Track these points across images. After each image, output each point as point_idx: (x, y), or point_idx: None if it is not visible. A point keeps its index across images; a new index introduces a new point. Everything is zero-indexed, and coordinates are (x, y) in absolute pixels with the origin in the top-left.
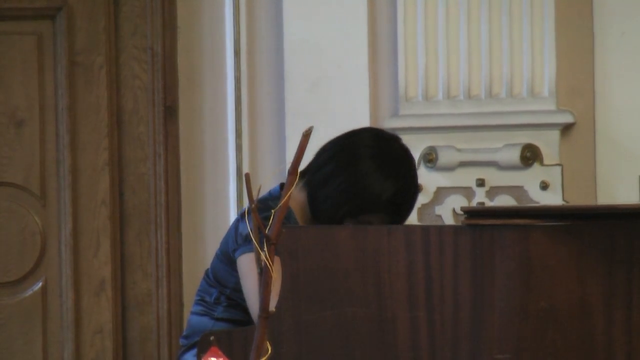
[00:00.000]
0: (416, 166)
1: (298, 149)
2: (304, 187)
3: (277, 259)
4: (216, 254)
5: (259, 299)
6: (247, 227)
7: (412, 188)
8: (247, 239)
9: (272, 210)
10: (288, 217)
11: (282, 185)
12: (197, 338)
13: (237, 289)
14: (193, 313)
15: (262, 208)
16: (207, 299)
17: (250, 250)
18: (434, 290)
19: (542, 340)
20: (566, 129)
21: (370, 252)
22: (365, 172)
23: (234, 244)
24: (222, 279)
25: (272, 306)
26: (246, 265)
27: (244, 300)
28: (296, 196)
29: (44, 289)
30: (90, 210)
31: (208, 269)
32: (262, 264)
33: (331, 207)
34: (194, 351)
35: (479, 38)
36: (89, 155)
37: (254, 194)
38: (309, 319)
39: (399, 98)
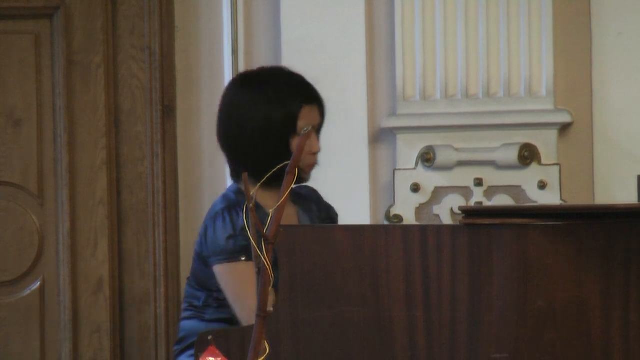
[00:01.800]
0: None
1: (297, 148)
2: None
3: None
4: (193, 258)
5: (257, 298)
6: (221, 234)
7: (297, 77)
8: (220, 248)
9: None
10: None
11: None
12: (191, 340)
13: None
14: (184, 318)
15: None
16: (196, 303)
17: (225, 261)
18: (432, 289)
19: (539, 339)
20: (564, 128)
21: (367, 252)
22: (255, 102)
23: (206, 249)
24: (206, 283)
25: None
26: (223, 276)
27: None
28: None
29: (41, 288)
30: (88, 210)
31: (189, 277)
32: (260, 264)
33: (265, 152)
34: (190, 352)
35: (477, 37)
36: (87, 154)
37: (252, 193)
38: (307, 319)
39: (397, 97)
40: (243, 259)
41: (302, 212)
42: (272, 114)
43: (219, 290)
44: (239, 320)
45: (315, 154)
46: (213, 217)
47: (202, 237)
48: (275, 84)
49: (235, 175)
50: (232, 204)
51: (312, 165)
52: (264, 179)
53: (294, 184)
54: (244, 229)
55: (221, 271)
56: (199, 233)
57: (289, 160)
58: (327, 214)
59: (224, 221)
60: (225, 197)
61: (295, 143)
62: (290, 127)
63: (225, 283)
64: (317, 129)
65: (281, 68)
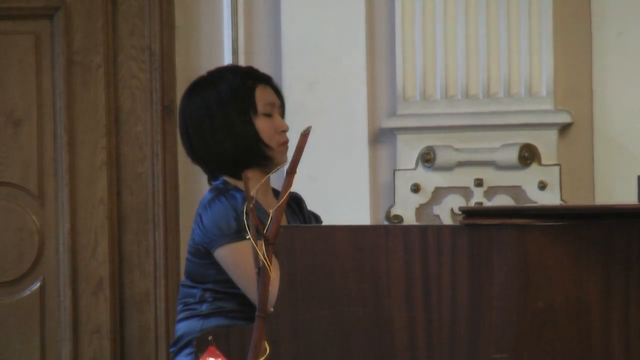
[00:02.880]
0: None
1: (297, 148)
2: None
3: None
4: (187, 257)
5: (257, 299)
6: (221, 216)
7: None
8: (223, 230)
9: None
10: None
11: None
12: (187, 339)
13: (219, 280)
14: (179, 320)
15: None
16: (191, 300)
17: (231, 241)
18: (432, 290)
19: (539, 339)
20: (564, 128)
21: (367, 252)
22: (208, 97)
23: (206, 237)
24: (200, 277)
25: (273, 298)
26: (231, 257)
27: (229, 287)
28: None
29: (41, 288)
30: (88, 210)
31: (182, 280)
32: (260, 263)
33: (232, 136)
34: (187, 351)
35: (477, 38)
36: (87, 154)
37: (253, 193)
38: (307, 319)
39: (397, 98)
40: (248, 237)
41: (291, 217)
42: (227, 103)
43: (215, 282)
44: (239, 303)
45: (284, 131)
46: (206, 204)
47: (199, 226)
48: (222, 80)
49: (213, 180)
50: (223, 190)
51: (285, 143)
52: (265, 178)
53: (273, 170)
54: (243, 211)
55: (227, 252)
56: (192, 228)
57: (260, 142)
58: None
59: (222, 204)
60: (213, 188)
61: (260, 124)
62: (249, 107)
63: (234, 264)
64: (280, 109)
65: (226, 65)
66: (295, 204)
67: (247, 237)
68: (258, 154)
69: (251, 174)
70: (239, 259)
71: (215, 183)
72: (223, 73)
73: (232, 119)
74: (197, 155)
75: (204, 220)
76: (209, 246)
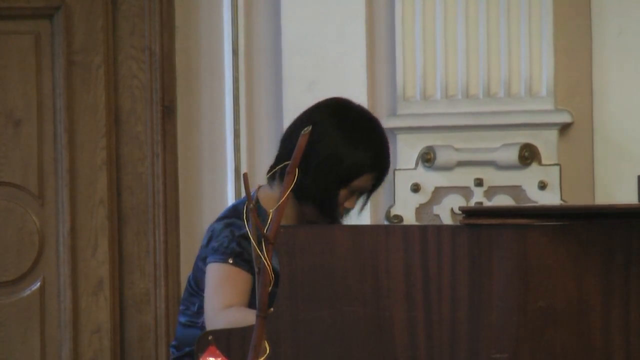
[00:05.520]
0: (382, 128)
1: (296, 148)
2: (279, 181)
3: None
4: (196, 259)
5: (257, 298)
6: (219, 237)
7: (385, 144)
8: (214, 249)
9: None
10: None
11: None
12: (187, 349)
13: None
14: (180, 323)
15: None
16: (191, 308)
17: (215, 261)
18: (432, 289)
19: (540, 339)
20: (564, 128)
21: (368, 252)
22: (337, 142)
23: (205, 250)
24: (203, 284)
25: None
26: (208, 273)
27: None
28: (270, 194)
29: (41, 288)
30: (88, 210)
31: (190, 276)
32: (260, 264)
33: (317, 186)
34: None
35: (477, 38)
36: (87, 154)
37: (252, 193)
38: (307, 319)
39: (397, 98)
40: (230, 261)
41: None
42: (339, 156)
43: None
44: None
45: (348, 209)
46: (219, 221)
47: (206, 240)
48: (361, 132)
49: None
50: (238, 213)
51: (338, 219)
52: (267, 175)
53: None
54: (241, 237)
55: (209, 269)
56: (204, 237)
57: (328, 206)
58: None
59: (224, 227)
60: (234, 207)
61: (343, 195)
62: (346, 180)
63: (207, 280)
64: (364, 192)
65: (374, 120)
66: None
67: (229, 262)
68: (321, 207)
69: (292, 202)
70: (210, 275)
71: (239, 201)
72: (372, 130)
73: (330, 170)
74: (286, 150)
75: (212, 241)
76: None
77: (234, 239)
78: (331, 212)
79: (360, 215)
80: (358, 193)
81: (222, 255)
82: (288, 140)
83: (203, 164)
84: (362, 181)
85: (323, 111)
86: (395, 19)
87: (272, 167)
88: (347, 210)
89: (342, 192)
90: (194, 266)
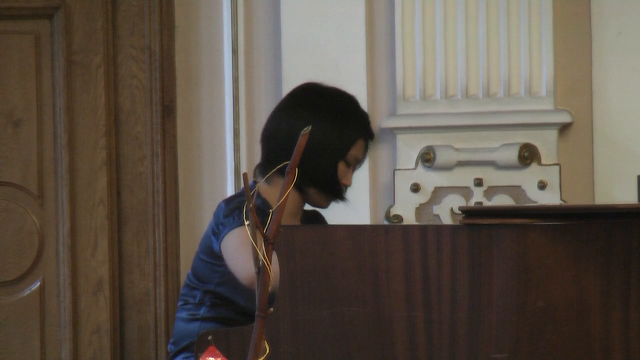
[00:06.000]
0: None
1: (296, 148)
2: (277, 175)
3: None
4: (196, 254)
5: (257, 298)
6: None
7: (367, 115)
8: (228, 221)
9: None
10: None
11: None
12: (185, 342)
13: (222, 282)
14: (178, 319)
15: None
16: (191, 301)
17: (231, 229)
18: (432, 289)
19: (539, 339)
20: (564, 128)
21: (367, 252)
22: (326, 120)
23: (217, 230)
24: (204, 277)
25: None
26: (229, 243)
27: (230, 293)
28: (268, 189)
29: (41, 288)
30: (88, 210)
31: (189, 273)
32: (260, 263)
33: (315, 167)
34: (184, 354)
35: (477, 37)
36: (87, 154)
37: (251, 193)
38: (307, 319)
39: (397, 97)
40: (247, 223)
41: None
42: (330, 133)
43: (217, 285)
44: (236, 312)
45: (346, 186)
46: (229, 218)
47: (214, 222)
48: (342, 107)
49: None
50: (241, 204)
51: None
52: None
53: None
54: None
55: (227, 239)
56: (207, 230)
57: (331, 184)
58: None
59: (230, 204)
60: (233, 203)
61: (341, 169)
62: (342, 152)
63: (229, 249)
64: (358, 164)
65: (349, 96)
66: (315, 221)
67: (247, 223)
68: (323, 187)
69: (291, 193)
70: (234, 242)
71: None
72: (343, 103)
73: (323, 152)
74: (270, 145)
75: (219, 215)
76: (220, 240)
77: (244, 209)
78: (334, 189)
79: (360, 215)
80: (353, 167)
81: (238, 221)
82: (272, 137)
83: (203, 164)
84: (356, 149)
85: (300, 100)
86: (395, 19)
87: (262, 165)
88: (345, 187)
89: (341, 166)
90: (194, 262)
